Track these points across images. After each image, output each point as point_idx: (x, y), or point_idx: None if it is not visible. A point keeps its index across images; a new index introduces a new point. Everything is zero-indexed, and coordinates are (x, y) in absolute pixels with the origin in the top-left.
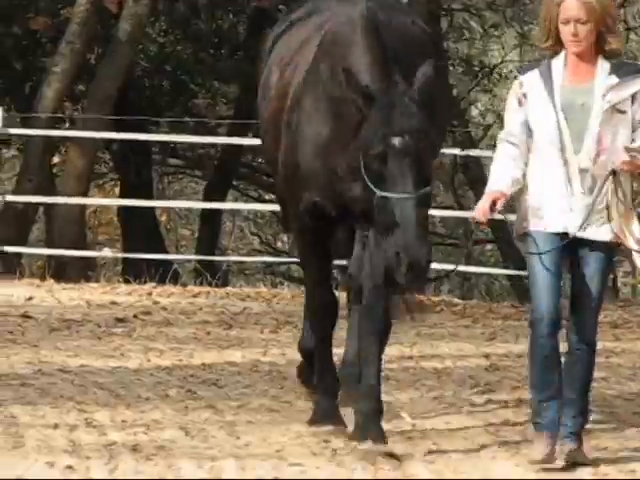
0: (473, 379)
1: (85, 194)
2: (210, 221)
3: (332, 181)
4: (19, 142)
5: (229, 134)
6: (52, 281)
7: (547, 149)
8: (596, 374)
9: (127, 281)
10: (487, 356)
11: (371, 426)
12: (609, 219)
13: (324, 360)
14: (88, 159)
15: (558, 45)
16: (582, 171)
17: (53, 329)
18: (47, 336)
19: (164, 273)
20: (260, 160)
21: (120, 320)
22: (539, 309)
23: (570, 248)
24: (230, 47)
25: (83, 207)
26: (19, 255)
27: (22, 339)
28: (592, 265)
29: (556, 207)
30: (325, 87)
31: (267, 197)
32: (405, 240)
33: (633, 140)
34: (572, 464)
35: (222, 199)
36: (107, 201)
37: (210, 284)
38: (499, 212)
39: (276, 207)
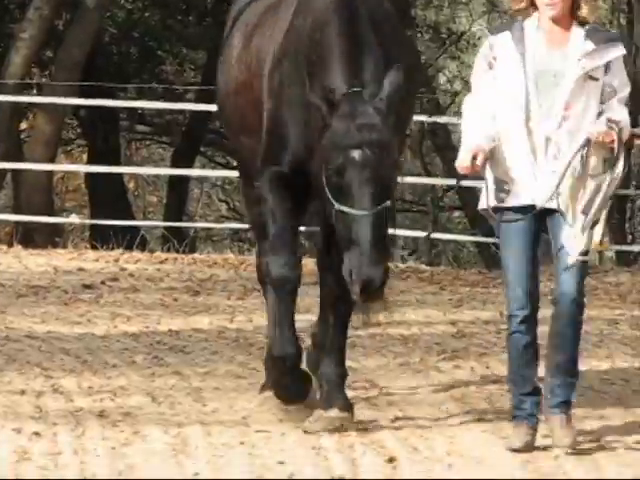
0: (440, 346)
1: (53, 160)
2: (178, 188)
3: (309, 146)
4: None
5: (197, 100)
6: (19, 247)
7: (512, 117)
8: None
9: (94, 247)
10: (454, 323)
11: (336, 394)
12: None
13: (284, 330)
14: (56, 125)
15: (531, 7)
16: (547, 139)
17: (20, 295)
18: (14, 302)
19: (131, 239)
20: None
21: (87, 286)
22: (513, 304)
23: (541, 216)
24: (198, 13)
25: (50, 173)
26: None
27: None
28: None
29: (521, 178)
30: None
31: (235, 164)
32: (360, 260)
33: (602, 109)
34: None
35: (190, 165)
36: (75, 167)
37: (177, 251)
38: (479, 167)
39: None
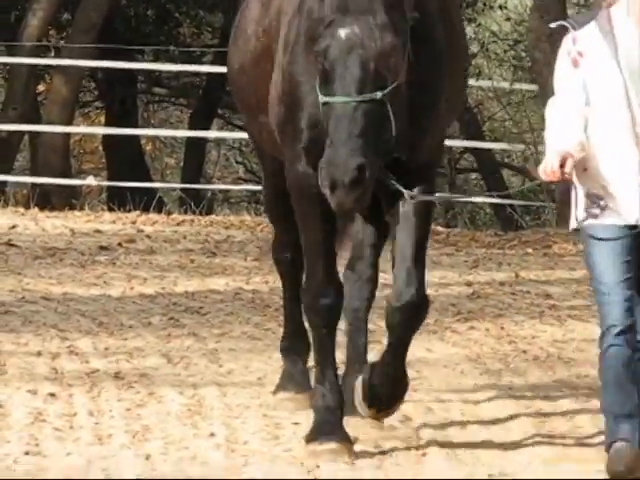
0: (455, 307)
1: (70, 122)
2: (195, 150)
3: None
4: (4, 71)
5: (214, 63)
6: (36, 209)
7: (611, 121)
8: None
9: (111, 209)
10: (469, 284)
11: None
12: None
13: (326, 367)
14: (73, 87)
15: None
16: None
17: (37, 257)
18: (31, 264)
19: (148, 201)
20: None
21: (104, 248)
22: (609, 316)
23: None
24: None
25: (68, 136)
26: (4, 183)
27: (6, 267)
28: None
29: (624, 194)
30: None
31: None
32: (330, 153)
33: None
34: None
35: (207, 128)
36: (92, 129)
37: (194, 212)
38: (569, 174)
39: None
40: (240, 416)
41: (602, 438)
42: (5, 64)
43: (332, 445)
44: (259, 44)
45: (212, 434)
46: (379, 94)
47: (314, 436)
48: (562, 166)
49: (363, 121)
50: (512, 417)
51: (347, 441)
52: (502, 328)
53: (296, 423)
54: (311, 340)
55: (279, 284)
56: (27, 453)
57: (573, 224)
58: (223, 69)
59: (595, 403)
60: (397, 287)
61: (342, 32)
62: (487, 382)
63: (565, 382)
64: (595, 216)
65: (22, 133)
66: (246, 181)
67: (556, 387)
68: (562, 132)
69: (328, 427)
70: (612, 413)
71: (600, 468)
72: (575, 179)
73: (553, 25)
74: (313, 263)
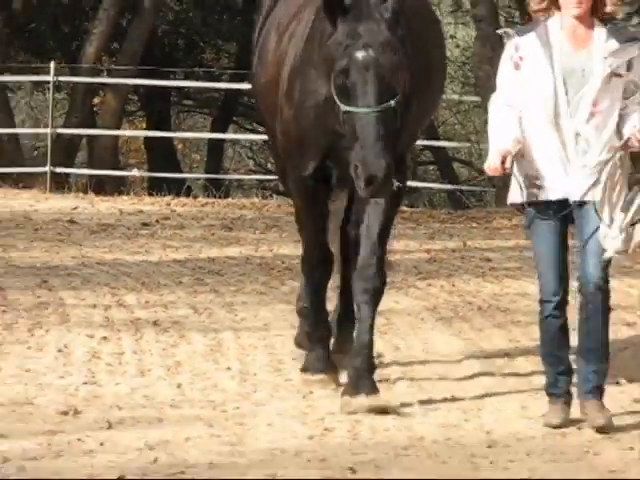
0: (416, 269)
1: (118, 127)
2: (215, 148)
3: (334, 143)
4: (67, 87)
5: (230, 81)
6: (93, 194)
7: (540, 115)
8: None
9: (150, 194)
10: (428, 251)
11: (365, 381)
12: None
13: (318, 311)
14: (121, 100)
15: (553, 7)
16: (576, 135)
17: (93, 232)
18: (88, 237)
19: (179, 188)
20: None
21: (145, 224)
22: (546, 291)
23: (570, 208)
24: (230, 13)
25: (117, 137)
26: (67, 175)
27: (69, 239)
28: (593, 220)
29: (553, 174)
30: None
31: (260, 129)
32: (363, 154)
33: (625, 105)
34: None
35: (225, 130)
36: (135, 133)
37: (215, 196)
38: (508, 169)
39: (265, 137)
40: (250, 354)
41: (530, 369)
42: (68, 82)
43: (322, 376)
44: (274, 69)
45: (229, 368)
46: (393, 103)
47: (307, 368)
48: (503, 162)
49: (384, 126)
50: (462, 354)
51: (334, 372)
52: (453, 285)
53: (294, 359)
54: (305, 290)
55: (281, 252)
56: (85, 383)
57: (515, 199)
58: (238, 86)
59: (525, 342)
60: (361, 263)
61: (359, 54)
62: (441, 327)
63: (502, 326)
64: (535, 195)
65: (81, 136)
66: (255, 172)
67: (496, 330)
68: (501, 132)
69: (318, 361)
70: (551, 369)
71: (529, 393)
72: (515, 166)
73: (500, 31)
74: (312, 238)
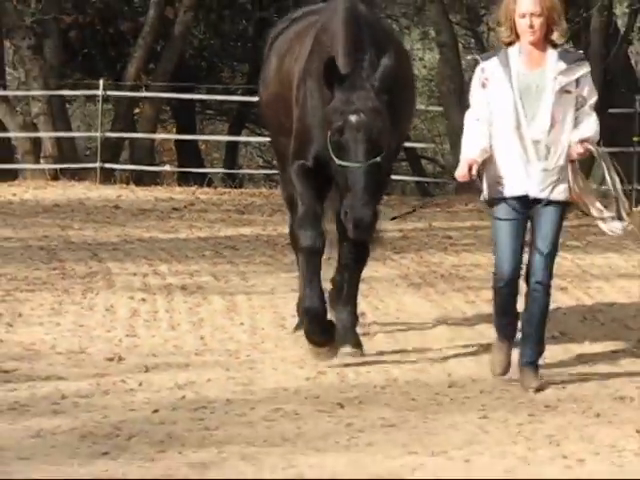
0: (392, 244)
1: (154, 131)
2: (232, 148)
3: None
4: (113, 100)
5: (244, 95)
6: (133, 185)
7: (505, 126)
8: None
9: (180, 185)
10: (401, 230)
11: (350, 334)
12: (562, 184)
13: (313, 286)
14: (156, 110)
15: (517, 38)
16: (535, 142)
17: (133, 214)
18: (130, 219)
19: (203, 180)
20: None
21: (175, 209)
22: (501, 269)
23: (530, 206)
24: (243, 40)
25: (153, 140)
26: (113, 169)
27: (114, 221)
28: (548, 220)
29: (515, 174)
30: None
31: (267, 133)
32: (353, 202)
33: (577, 115)
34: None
35: (239, 134)
36: (168, 136)
37: (231, 187)
38: (474, 176)
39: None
40: (259, 312)
41: (483, 324)
42: (114, 96)
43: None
44: (275, 89)
45: (242, 323)
46: (379, 159)
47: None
48: (470, 170)
49: (371, 178)
50: (428, 313)
51: (331, 339)
52: (421, 257)
53: (294, 316)
54: (300, 264)
55: (285, 231)
56: (127, 335)
57: (484, 196)
58: (249, 99)
59: (479, 303)
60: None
61: (352, 117)
62: (412, 291)
63: (460, 290)
64: (500, 193)
65: (124, 138)
66: (263, 167)
67: (455, 294)
68: (470, 144)
69: (314, 334)
70: (499, 332)
71: (482, 344)
72: (486, 168)
73: (469, 57)
74: (309, 210)
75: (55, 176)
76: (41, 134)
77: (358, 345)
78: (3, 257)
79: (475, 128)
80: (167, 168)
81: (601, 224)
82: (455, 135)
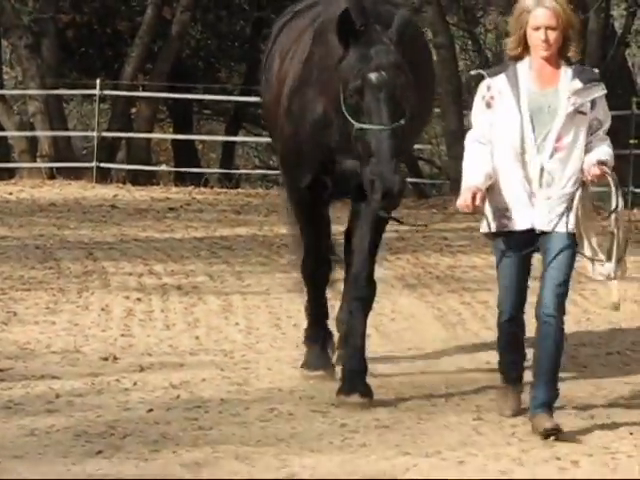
0: (388, 245)
1: (151, 131)
2: (228, 148)
3: (331, 156)
4: (110, 99)
5: (240, 94)
6: (130, 185)
7: (508, 152)
8: None
9: (176, 185)
10: (397, 231)
11: (359, 382)
12: (570, 213)
13: (318, 315)
14: (153, 110)
15: (524, 51)
16: (541, 170)
17: (129, 214)
18: (126, 218)
19: (199, 180)
20: (260, 111)
21: (171, 209)
22: (504, 305)
23: (536, 239)
24: (240, 41)
25: (149, 139)
26: (110, 169)
27: (111, 220)
28: (559, 251)
29: (519, 206)
30: (318, 67)
31: (264, 133)
32: (379, 169)
33: (590, 140)
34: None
35: (236, 134)
36: (165, 136)
37: (228, 187)
38: (478, 206)
39: (269, 139)
40: (254, 312)
41: (477, 326)
42: (111, 95)
43: (319, 372)
44: (277, 89)
45: (237, 323)
46: (402, 121)
47: (306, 364)
48: (473, 198)
49: (396, 143)
50: (423, 314)
51: (331, 369)
52: (417, 259)
53: (289, 317)
54: (306, 298)
55: (281, 231)
56: (122, 335)
57: (485, 229)
58: (246, 99)
59: (474, 304)
60: (354, 273)
61: (372, 75)
62: (407, 292)
63: (456, 291)
64: (504, 226)
65: (121, 138)
66: (260, 167)
67: (450, 295)
68: (472, 169)
69: (317, 358)
70: (505, 374)
71: (478, 345)
72: (487, 197)
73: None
74: (310, 246)
75: (51, 175)
76: (38, 133)
77: (368, 394)
78: None
79: (478, 152)
80: (164, 168)
81: (589, 265)
82: (451, 137)
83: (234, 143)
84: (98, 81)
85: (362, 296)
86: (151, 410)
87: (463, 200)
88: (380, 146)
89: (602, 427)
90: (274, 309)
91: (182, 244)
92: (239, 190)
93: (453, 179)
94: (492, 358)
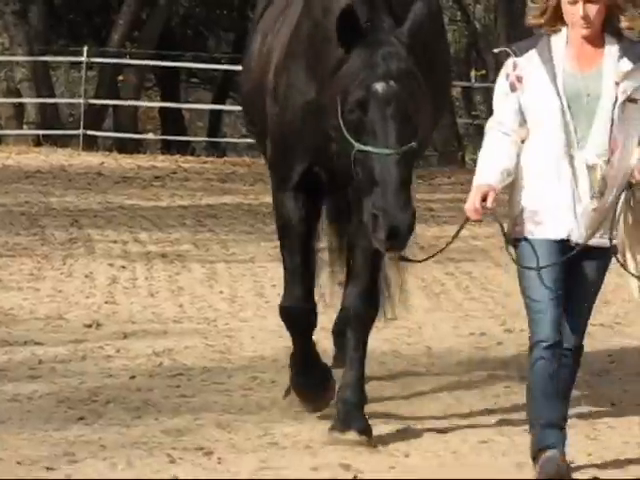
0: None
1: (138, 99)
2: (215, 117)
3: (324, 145)
4: (97, 67)
5: (228, 63)
6: (116, 153)
7: (549, 141)
8: None
9: (163, 153)
10: None
11: (356, 416)
12: (614, 224)
13: (306, 363)
14: (140, 78)
15: (557, 23)
16: (590, 169)
17: (115, 182)
18: (112, 186)
19: (186, 148)
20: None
21: (157, 177)
22: (541, 333)
23: (566, 251)
24: (229, 9)
25: (136, 107)
26: (96, 137)
27: (97, 188)
28: (589, 272)
29: (558, 211)
30: (310, 39)
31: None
32: (385, 202)
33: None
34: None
35: (223, 103)
36: (152, 104)
37: (214, 155)
38: (490, 210)
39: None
40: (239, 280)
41: (461, 296)
42: (98, 62)
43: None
44: (258, 73)
45: (221, 291)
46: (414, 143)
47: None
48: (484, 200)
49: (406, 170)
50: (407, 283)
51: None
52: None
53: (273, 285)
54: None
55: (266, 200)
56: (106, 302)
57: (510, 235)
58: (234, 67)
59: (457, 274)
60: (351, 299)
61: (378, 85)
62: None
63: (440, 262)
64: (531, 232)
65: (108, 106)
66: (246, 136)
67: (435, 265)
68: (488, 164)
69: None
70: (540, 423)
71: (460, 315)
72: (510, 197)
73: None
74: (292, 283)
75: (38, 142)
76: (24, 100)
77: (367, 431)
78: None
79: (498, 144)
80: (150, 136)
81: (633, 284)
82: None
83: (221, 112)
84: (85, 48)
85: (362, 314)
86: (134, 377)
87: (472, 204)
88: (386, 175)
89: (584, 397)
90: (258, 277)
91: (168, 212)
92: (225, 159)
93: (440, 150)
94: (474, 329)
